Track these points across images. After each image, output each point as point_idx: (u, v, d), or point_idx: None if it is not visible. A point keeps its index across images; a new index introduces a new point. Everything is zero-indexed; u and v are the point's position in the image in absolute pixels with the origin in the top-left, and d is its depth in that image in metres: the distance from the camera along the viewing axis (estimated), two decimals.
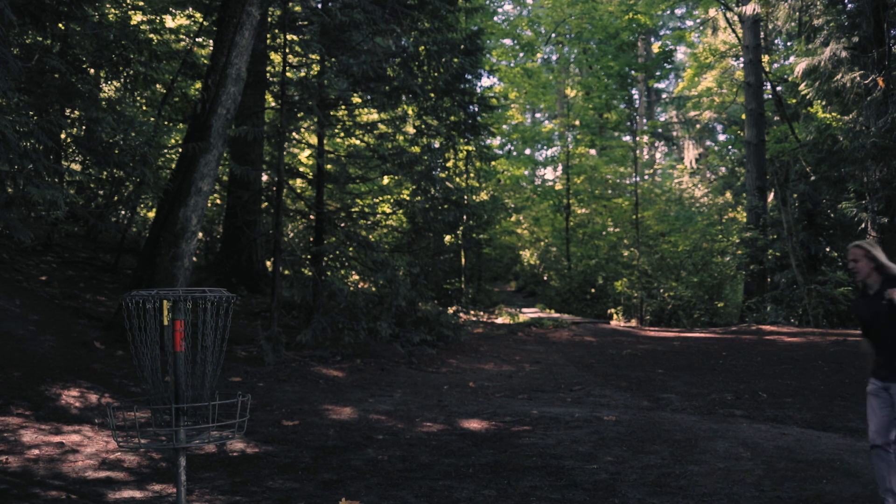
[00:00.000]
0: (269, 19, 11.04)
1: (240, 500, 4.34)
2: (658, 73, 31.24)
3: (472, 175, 19.78)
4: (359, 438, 5.94)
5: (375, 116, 13.64)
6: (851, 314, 15.59)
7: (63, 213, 9.71)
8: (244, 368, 8.43)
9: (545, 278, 24.57)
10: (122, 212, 13.74)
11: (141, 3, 12.22)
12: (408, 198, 13.29)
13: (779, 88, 19.23)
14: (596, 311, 20.40)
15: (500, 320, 16.55)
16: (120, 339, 7.77)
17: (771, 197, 19.04)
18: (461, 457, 5.38)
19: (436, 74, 11.66)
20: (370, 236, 12.92)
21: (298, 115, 10.78)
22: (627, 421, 6.56)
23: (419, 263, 12.10)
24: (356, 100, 11.67)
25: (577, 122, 27.89)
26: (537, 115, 36.57)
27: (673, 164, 32.00)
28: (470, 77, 14.39)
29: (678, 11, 30.63)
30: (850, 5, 14.72)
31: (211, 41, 12.83)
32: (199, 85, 12.86)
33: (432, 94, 11.90)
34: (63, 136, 9.60)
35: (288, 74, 10.70)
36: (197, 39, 13.77)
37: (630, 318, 18.64)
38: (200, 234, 13.59)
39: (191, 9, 12.97)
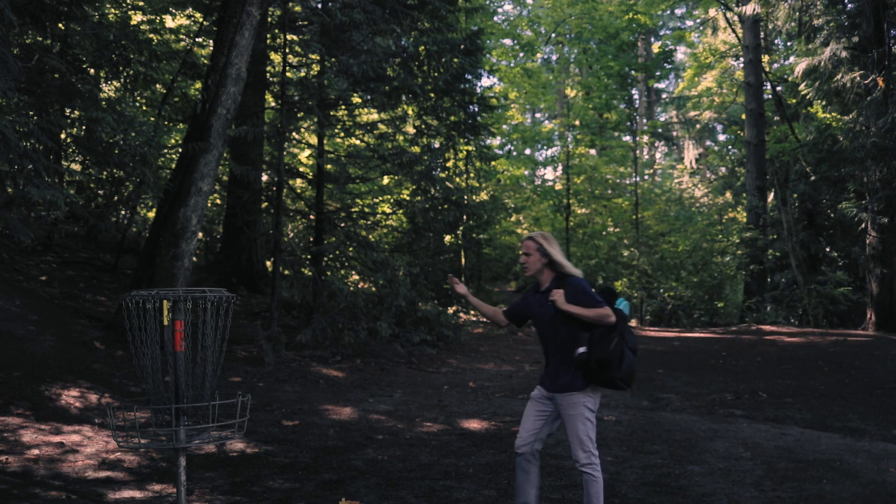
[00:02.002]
0: (269, 19, 11.05)
1: (240, 500, 4.34)
2: (658, 73, 31.23)
3: (472, 175, 19.78)
4: (359, 438, 5.94)
5: (375, 116, 13.64)
6: (851, 315, 15.61)
7: (63, 213, 9.71)
8: (244, 368, 8.43)
9: None
10: (122, 212, 13.74)
11: (141, 3, 12.22)
12: (408, 198, 13.29)
13: (779, 88, 19.23)
14: None
15: None
16: (120, 339, 7.77)
17: (771, 197, 19.04)
18: (461, 457, 5.38)
19: (436, 74, 11.65)
20: (370, 236, 12.92)
21: (298, 115, 10.78)
22: (627, 421, 6.56)
23: (419, 263, 12.09)
24: (356, 100, 11.67)
25: (577, 122, 27.88)
26: (537, 115, 36.56)
27: (673, 164, 32.00)
28: (470, 77, 14.39)
29: (678, 11, 30.63)
30: (850, 5, 14.72)
31: (211, 41, 12.83)
32: (199, 85, 12.86)
33: (432, 94, 11.90)
34: (63, 136, 9.60)
35: (288, 74, 10.70)
36: (197, 39, 13.78)
37: (630, 318, 18.64)
38: (200, 234, 13.58)
39: (191, 9, 12.97)
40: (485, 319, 3.82)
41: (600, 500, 3.41)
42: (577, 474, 4.86)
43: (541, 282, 3.63)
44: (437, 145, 13.81)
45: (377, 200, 15.18)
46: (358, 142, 13.17)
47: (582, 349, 3.41)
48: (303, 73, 11.81)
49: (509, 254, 25.59)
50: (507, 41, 28.91)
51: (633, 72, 29.86)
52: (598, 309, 3.40)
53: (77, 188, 12.23)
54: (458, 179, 17.35)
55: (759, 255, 17.75)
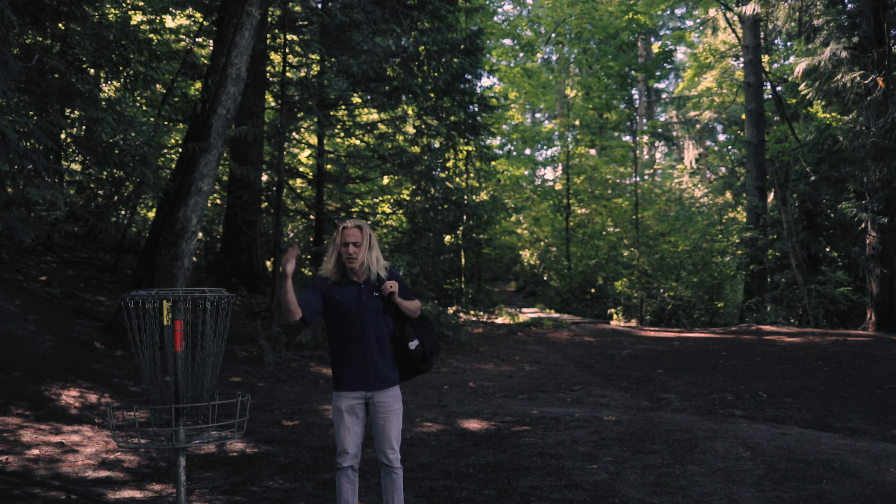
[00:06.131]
0: (269, 19, 11.05)
1: (240, 500, 4.34)
2: (658, 73, 31.26)
3: (472, 175, 19.77)
4: None
5: (375, 116, 13.65)
6: (851, 315, 15.61)
7: (63, 213, 9.71)
8: (244, 368, 8.43)
9: (545, 278, 24.56)
10: (122, 212, 13.74)
11: (141, 3, 12.21)
12: (408, 198, 13.29)
13: (779, 88, 19.23)
14: (596, 311, 20.38)
15: (500, 320, 16.55)
16: (120, 339, 7.77)
17: (771, 197, 19.04)
18: (461, 457, 5.38)
19: (436, 74, 11.66)
20: None
21: (298, 115, 10.78)
22: (627, 421, 6.56)
23: (419, 263, 12.09)
24: (356, 100, 11.67)
25: (577, 122, 27.89)
26: (537, 115, 36.57)
27: (673, 164, 32.01)
28: (470, 77, 14.38)
29: (678, 11, 30.66)
30: (850, 5, 14.71)
31: (211, 41, 12.82)
32: (199, 85, 12.86)
33: (432, 94, 11.90)
34: (63, 136, 9.60)
35: (288, 74, 10.70)
36: (197, 39, 13.77)
37: (630, 318, 18.63)
38: (200, 234, 13.58)
39: (191, 9, 12.96)
40: (290, 304, 3.39)
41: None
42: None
43: (356, 273, 3.39)
44: (437, 145, 13.80)
45: (377, 200, 15.17)
46: (358, 142, 13.18)
47: (415, 342, 3.40)
48: (303, 73, 11.82)
49: (509, 254, 25.61)
50: (507, 41, 28.92)
51: (633, 72, 29.87)
52: (416, 302, 3.49)
53: (77, 188, 12.23)
54: (458, 179, 17.34)
55: (759, 255, 17.75)
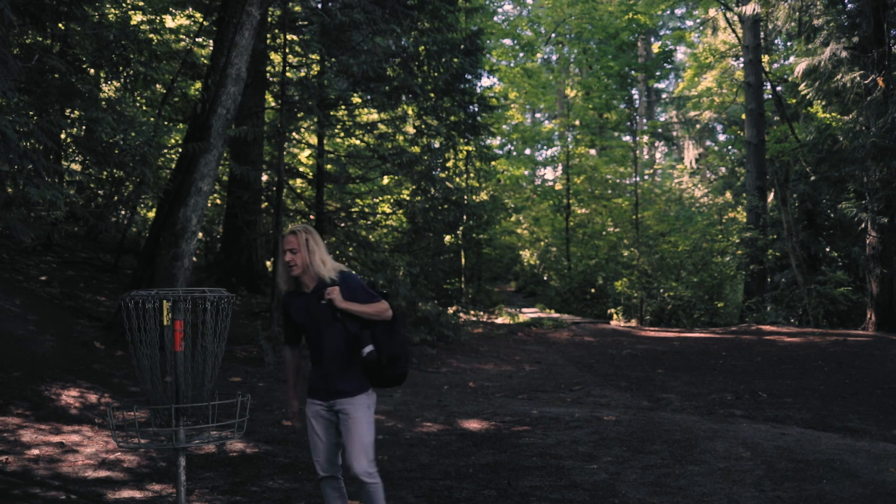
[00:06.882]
0: (269, 19, 11.05)
1: (240, 500, 4.34)
2: (658, 73, 31.27)
3: (472, 175, 19.77)
4: None
5: (375, 116, 13.65)
6: (851, 315, 15.60)
7: (63, 213, 9.71)
8: (244, 368, 8.43)
9: (545, 278, 24.56)
10: (122, 212, 13.73)
11: (141, 3, 12.21)
12: (408, 198, 13.29)
13: (779, 88, 19.23)
14: (596, 311, 20.38)
15: (500, 320, 16.54)
16: (120, 339, 7.76)
17: (771, 197, 19.04)
18: (461, 457, 5.38)
19: (436, 74, 11.66)
20: (370, 236, 12.92)
21: (298, 115, 10.79)
22: (627, 421, 6.56)
23: (419, 263, 12.10)
24: (356, 100, 11.68)
25: (577, 122, 27.90)
26: (537, 115, 36.58)
27: (673, 164, 32.01)
28: (470, 77, 14.39)
29: (678, 11, 30.67)
30: (850, 5, 14.71)
31: (211, 41, 12.82)
32: (199, 85, 12.85)
33: (432, 94, 11.91)
34: (63, 136, 9.59)
35: (288, 74, 10.70)
36: (197, 39, 13.76)
37: (630, 318, 18.63)
38: (200, 234, 13.58)
39: (191, 9, 12.96)
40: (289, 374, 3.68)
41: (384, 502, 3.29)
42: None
43: (304, 283, 3.31)
44: (437, 145, 13.80)
45: (377, 200, 15.18)
46: (358, 142, 13.18)
47: (369, 348, 3.21)
48: (303, 73, 11.82)
49: (509, 254, 25.60)
50: (507, 41, 28.93)
51: (633, 72, 29.89)
52: (378, 304, 3.26)
53: (77, 188, 12.22)
54: (458, 179, 17.34)
55: (759, 255, 17.75)
